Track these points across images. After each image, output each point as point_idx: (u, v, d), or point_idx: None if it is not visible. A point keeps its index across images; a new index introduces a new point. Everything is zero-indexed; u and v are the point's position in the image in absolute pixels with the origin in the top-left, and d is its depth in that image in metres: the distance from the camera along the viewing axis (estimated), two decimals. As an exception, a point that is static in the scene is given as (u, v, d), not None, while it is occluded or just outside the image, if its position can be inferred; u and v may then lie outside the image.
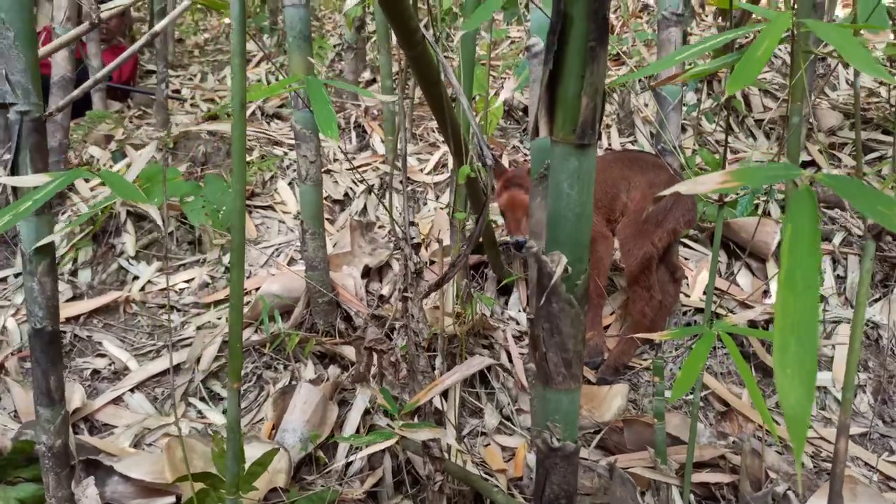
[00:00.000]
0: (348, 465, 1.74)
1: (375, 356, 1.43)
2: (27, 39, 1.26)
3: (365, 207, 2.83)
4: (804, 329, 0.59)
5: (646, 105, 3.52)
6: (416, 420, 1.34)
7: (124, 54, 1.68)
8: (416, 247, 1.28)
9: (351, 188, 2.92)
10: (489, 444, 1.86)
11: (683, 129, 3.37)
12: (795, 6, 2.06)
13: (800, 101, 2.62)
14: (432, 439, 1.21)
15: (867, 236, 1.01)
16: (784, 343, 0.59)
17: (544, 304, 0.96)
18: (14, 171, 1.28)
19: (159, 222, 0.99)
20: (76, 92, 1.67)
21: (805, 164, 3.08)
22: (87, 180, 2.71)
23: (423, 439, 1.16)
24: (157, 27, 1.94)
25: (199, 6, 6.88)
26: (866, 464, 1.87)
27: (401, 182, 2.87)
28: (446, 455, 1.52)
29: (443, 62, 1.28)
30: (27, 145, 1.29)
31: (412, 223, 1.30)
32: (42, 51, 1.44)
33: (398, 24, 1.27)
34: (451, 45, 3.82)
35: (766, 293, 2.43)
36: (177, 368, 2.04)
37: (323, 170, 3.07)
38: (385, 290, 2.33)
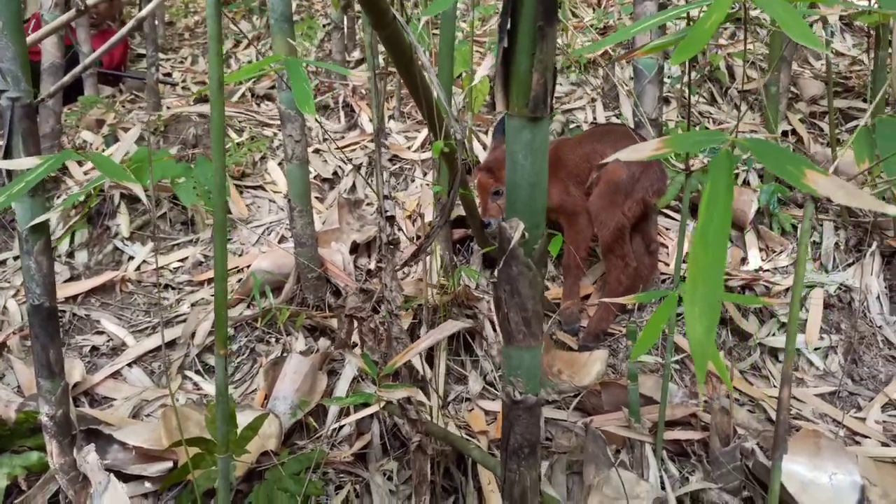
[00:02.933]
0: (338, 430, 1.83)
1: (356, 323, 1.50)
2: (15, 28, 1.32)
3: (354, 185, 2.89)
4: (711, 276, 0.66)
5: (631, 79, 3.56)
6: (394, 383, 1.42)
7: (112, 40, 1.74)
8: (391, 219, 1.35)
9: (340, 167, 2.98)
10: (473, 409, 1.94)
11: (668, 102, 3.41)
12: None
13: (777, 73, 2.68)
14: (409, 402, 1.29)
15: (806, 197, 1.07)
16: (694, 287, 0.67)
17: (504, 268, 1.04)
18: (7, 155, 1.34)
19: (144, 200, 1.06)
20: (66, 78, 1.73)
21: (786, 133, 3.14)
22: (80, 164, 2.78)
23: (398, 398, 1.24)
24: (143, 12, 2.00)
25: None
26: (834, 420, 1.96)
27: (378, 157, 2.92)
28: (428, 417, 1.61)
29: (413, 42, 1.33)
30: (19, 130, 1.35)
31: (387, 197, 1.37)
32: (30, 38, 1.50)
33: (368, 4, 1.32)
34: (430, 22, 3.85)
35: (743, 260, 2.51)
36: (172, 343, 2.12)
37: (312, 149, 3.13)
38: (372, 265, 2.40)
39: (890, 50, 2.81)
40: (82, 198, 2.47)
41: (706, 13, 1.11)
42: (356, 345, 1.67)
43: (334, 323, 2.13)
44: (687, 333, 0.65)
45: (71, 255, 2.44)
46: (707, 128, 3.23)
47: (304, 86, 1.32)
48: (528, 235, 1.02)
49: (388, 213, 1.34)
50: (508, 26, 0.97)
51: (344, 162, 2.95)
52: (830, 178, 0.69)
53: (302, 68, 1.46)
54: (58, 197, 2.62)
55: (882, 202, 0.66)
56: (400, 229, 2.49)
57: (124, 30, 1.99)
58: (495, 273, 1.04)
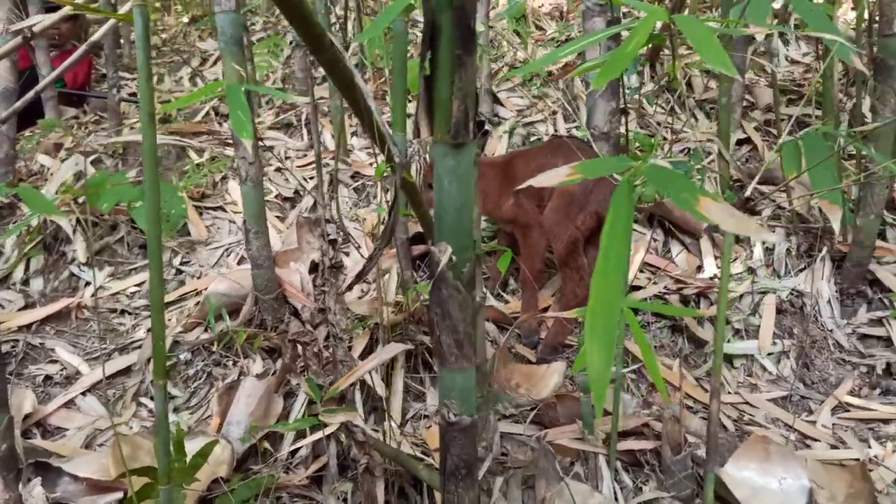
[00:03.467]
0: (294, 453, 1.82)
1: (300, 348, 1.51)
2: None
3: (315, 204, 2.89)
4: (609, 308, 0.68)
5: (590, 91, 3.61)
6: (339, 405, 1.42)
7: (59, 69, 1.74)
8: (333, 242, 1.35)
9: (302, 185, 2.98)
10: (431, 426, 1.95)
11: (626, 112, 3.46)
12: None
13: (728, 84, 2.73)
14: (355, 424, 1.29)
15: (726, 236, 1.10)
16: (594, 320, 0.68)
17: (434, 291, 1.05)
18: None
19: (68, 230, 1.05)
20: (18, 104, 1.72)
21: (741, 142, 3.20)
22: (35, 188, 2.75)
23: (340, 422, 1.24)
24: (95, 36, 1.99)
25: (156, 5, 6.84)
26: (785, 424, 1.99)
27: (352, 178, 2.91)
28: (380, 437, 1.61)
29: (351, 68, 1.35)
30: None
31: (329, 220, 1.38)
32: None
33: (303, 31, 1.33)
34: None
35: (699, 268, 2.55)
36: (128, 370, 2.10)
37: (274, 168, 3.13)
38: (332, 284, 2.40)
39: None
40: (21, 231, 2.44)
41: (628, 37, 1.14)
42: (305, 368, 1.68)
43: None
44: (587, 365, 0.67)
45: (26, 282, 2.41)
46: (665, 138, 3.28)
47: (240, 113, 1.33)
48: (457, 258, 1.04)
49: (331, 237, 1.35)
50: (429, 55, 0.99)
51: (304, 181, 2.95)
52: (722, 205, 0.71)
53: (242, 96, 1.47)
54: (14, 223, 2.59)
55: (764, 229, 0.68)
56: (358, 247, 2.50)
57: (76, 55, 1.98)
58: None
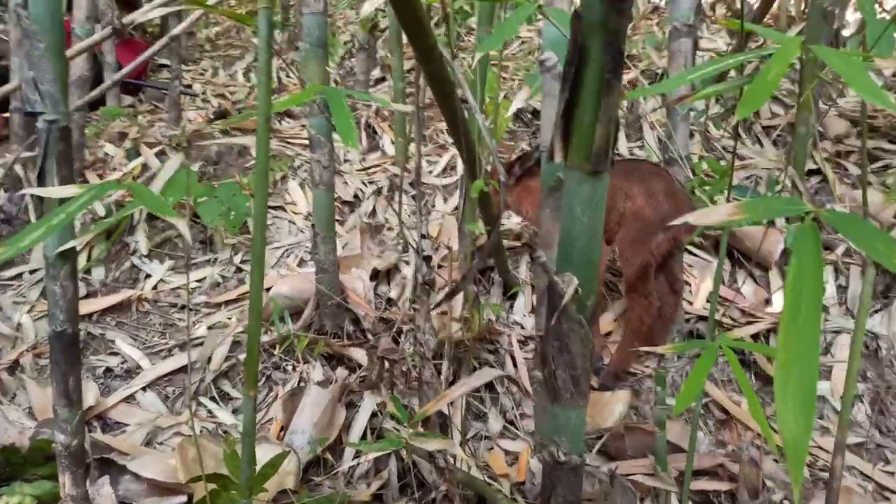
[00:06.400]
0: (355, 466, 1.78)
1: (387, 365, 1.47)
2: (57, 50, 1.29)
3: (374, 209, 2.86)
4: (805, 363, 0.62)
5: (654, 110, 3.54)
6: (422, 428, 1.38)
7: (141, 57, 1.70)
8: (427, 259, 1.31)
9: (361, 189, 2.96)
10: (493, 448, 1.90)
11: (691, 136, 3.39)
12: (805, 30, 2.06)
13: (807, 113, 2.65)
14: (439, 450, 1.25)
15: (868, 261, 1.04)
16: (786, 376, 0.63)
17: (555, 324, 1.00)
18: (41, 179, 1.32)
19: (186, 236, 1.03)
20: (94, 92, 1.71)
21: (811, 172, 3.10)
22: (100, 175, 2.75)
23: (432, 449, 1.20)
24: (175, 31, 1.96)
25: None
26: (862, 473, 1.91)
27: (412, 185, 2.89)
28: (452, 461, 1.56)
29: (461, 81, 1.31)
30: (54, 154, 1.32)
31: (425, 236, 1.34)
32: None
33: (416, 41, 1.30)
34: (463, 45, 3.84)
35: (767, 302, 2.46)
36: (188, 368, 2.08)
37: (332, 171, 3.11)
38: (393, 294, 2.36)
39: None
40: (110, 222, 2.45)
41: (768, 65, 1.08)
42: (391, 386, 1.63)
43: (353, 352, 2.09)
44: (780, 429, 0.61)
45: (88, 271, 2.41)
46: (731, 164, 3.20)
47: (348, 120, 1.30)
48: (581, 291, 0.99)
49: (426, 253, 1.31)
50: (572, 77, 0.95)
51: (366, 185, 2.93)
52: (928, 262, 0.65)
53: (344, 100, 1.43)
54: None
55: None
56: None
57: (156, 47, 1.96)
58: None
